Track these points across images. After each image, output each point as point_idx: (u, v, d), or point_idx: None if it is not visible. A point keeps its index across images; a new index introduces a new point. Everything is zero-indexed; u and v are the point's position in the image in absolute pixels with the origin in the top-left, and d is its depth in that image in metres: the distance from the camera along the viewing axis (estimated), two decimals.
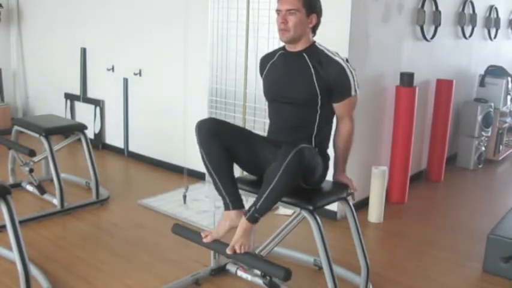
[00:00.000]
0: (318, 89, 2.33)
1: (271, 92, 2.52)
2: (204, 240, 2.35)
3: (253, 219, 2.21)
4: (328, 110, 2.42)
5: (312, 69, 2.34)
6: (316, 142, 2.41)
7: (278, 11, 2.35)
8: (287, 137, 2.40)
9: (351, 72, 2.34)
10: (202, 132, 2.33)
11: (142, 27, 4.72)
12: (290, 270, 2.12)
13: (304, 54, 2.37)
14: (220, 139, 2.32)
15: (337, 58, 2.35)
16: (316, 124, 2.40)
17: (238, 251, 2.22)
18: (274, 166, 2.14)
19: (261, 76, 2.58)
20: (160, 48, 4.61)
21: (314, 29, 2.41)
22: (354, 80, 2.35)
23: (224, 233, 2.34)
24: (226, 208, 2.35)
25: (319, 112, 2.38)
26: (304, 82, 2.35)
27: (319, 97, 2.35)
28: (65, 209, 3.59)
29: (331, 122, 2.49)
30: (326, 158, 2.46)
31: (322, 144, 2.45)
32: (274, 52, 2.54)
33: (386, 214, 3.72)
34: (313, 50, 2.39)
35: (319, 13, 2.39)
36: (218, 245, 2.34)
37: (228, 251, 2.23)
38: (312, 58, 2.36)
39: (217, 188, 2.37)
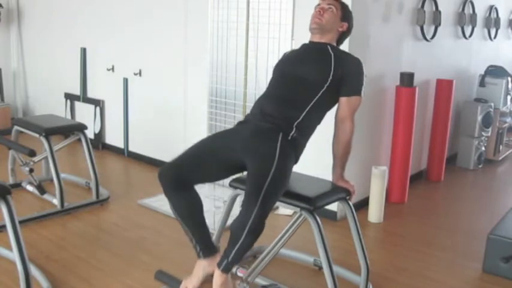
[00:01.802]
0: (331, 73, 2.36)
1: (281, 65, 2.54)
2: None
3: (227, 270, 2.22)
4: (326, 103, 2.42)
5: (333, 56, 2.41)
6: (296, 130, 2.33)
7: (318, 5, 2.47)
8: (272, 108, 2.36)
9: (364, 73, 2.45)
10: (164, 183, 2.33)
11: (142, 27, 4.72)
12: None
13: (328, 46, 2.46)
14: (184, 183, 2.31)
15: (356, 57, 2.47)
16: (307, 110, 2.35)
17: None
18: (237, 224, 2.13)
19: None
20: (160, 48, 4.61)
21: (341, 37, 2.54)
22: (364, 81, 2.45)
23: (200, 282, 2.35)
24: (199, 256, 2.38)
25: (317, 97, 2.36)
26: (321, 63, 2.40)
27: (328, 82, 2.35)
28: (65, 209, 3.59)
29: (320, 119, 2.46)
30: (298, 150, 2.39)
31: (299, 136, 2.36)
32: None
33: (386, 214, 3.72)
34: (335, 46, 2.51)
35: (350, 26, 2.54)
36: None
37: None
38: (334, 50, 2.46)
39: (187, 236, 2.39)
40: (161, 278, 2.56)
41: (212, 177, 2.44)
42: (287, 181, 2.27)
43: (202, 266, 2.36)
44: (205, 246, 2.37)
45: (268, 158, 2.20)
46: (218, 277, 2.22)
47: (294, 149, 2.34)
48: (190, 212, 2.36)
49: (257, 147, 2.27)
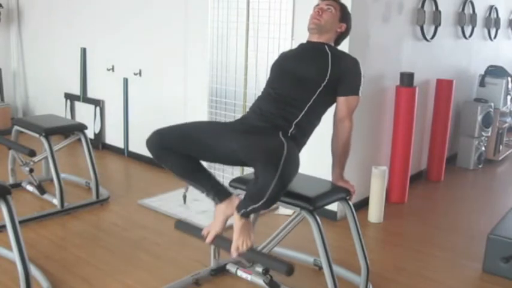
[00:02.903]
0: (329, 72, 2.36)
1: (279, 64, 2.55)
2: (207, 240, 2.36)
3: (247, 215, 2.22)
4: (324, 102, 2.42)
5: (330, 55, 2.41)
6: (295, 127, 2.33)
7: (317, 5, 2.48)
8: (271, 107, 2.37)
9: (361, 73, 2.45)
10: (152, 150, 2.35)
11: (142, 27, 4.72)
12: (292, 265, 2.13)
13: (325, 45, 2.47)
14: (171, 148, 2.32)
15: (353, 57, 2.48)
16: (305, 109, 2.35)
17: (241, 249, 2.23)
18: (256, 189, 2.09)
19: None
20: (160, 48, 4.61)
21: (339, 38, 2.55)
22: (361, 81, 2.45)
23: (222, 226, 2.34)
24: (215, 202, 2.37)
25: (315, 96, 2.36)
26: (318, 62, 2.41)
27: (325, 81, 2.36)
28: (65, 209, 3.59)
29: (319, 118, 2.45)
30: (298, 147, 2.36)
31: (298, 134, 2.35)
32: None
33: (386, 214, 3.72)
34: (333, 46, 2.52)
35: (348, 27, 2.54)
36: (221, 242, 2.36)
37: (233, 254, 2.24)
38: (331, 49, 2.47)
39: (197, 189, 2.39)
40: (181, 227, 2.55)
41: (197, 155, 2.40)
42: (298, 163, 2.22)
43: (222, 210, 2.33)
44: (217, 190, 2.35)
45: (277, 143, 2.17)
46: (238, 220, 2.22)
47: (295, 144, 2.32)
48: (188, 166, 2.35)
49: (259, 141, 2.23)
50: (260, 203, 2.09)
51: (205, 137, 2.36)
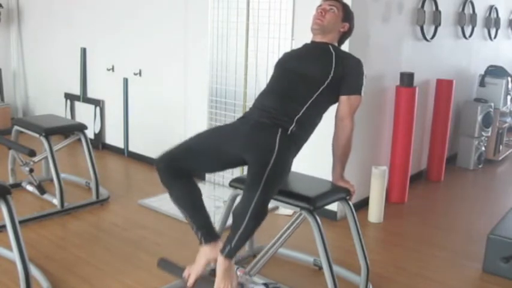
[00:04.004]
0: (332, 71, 2.38)
1: (283, 62, 2.56)
2: (188, 284, 2.34)
3: (230, 256, 2.21)
4: (326, 100, 2.43)
5: (334, 55, 2.43)
6: (296, 124, 2.33)
7: (320, 6, 2.50)
8: (273, 102, 2.37)
9: (364, 74, 2.47)
10: (161, 173, 2.34)
11: (142, 27, 4.72)
12: None
13: (329, 45, 2.49)
14: (181, 172, 2.32)
15: (357, 57, 2.49)
16: (307, 106, 2.35)
17: None
18: (239, 210, 2.15)
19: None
20: (160, 48, 4.61)
21: (342, 38, 2.56)
22: (364, 81, 2.46)
23: (203, 269, 2.34)
24: (200, 243, 2.37)
25: (317, 94, 2.36)
26: (322, 61, 2.42)
27: (329, 80, 2.37)
28: (65, 209, 3.59)
29: (320, 115, 2.46)
30: (298, 144, 2.38)
31: (299, 130, 2.35)
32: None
33: (386, 214, 3.72)
34: (336, 46, 2.53)
35: (351, 27, 2.57)
36: (203, 286, 2.32)
37: None
38: (335, 49, 2.48)
39: (188, 223, 2.39)
40: (164, 266, 2.55)
41: (207, 168, 2.43)
42: (288, 171, 2.28)
43: (205, 253, 2.33)
44: (206, 232, 2.35)
45: (269, 150, 2.20)
46: (221, 263, 2.21)
47: (294, 143, 2.33)
48: (189, 199, 2.36)
49: (256, 141, 2.27)
50: (243, 225, 2.10)
51: (212, 148, 2.38)
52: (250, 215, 2.09)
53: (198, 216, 2.37)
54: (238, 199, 2.49)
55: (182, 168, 2.33)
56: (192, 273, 2.34)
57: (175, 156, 2.35)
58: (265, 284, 2.41)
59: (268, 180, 2.12)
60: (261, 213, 2.14)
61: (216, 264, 2.23)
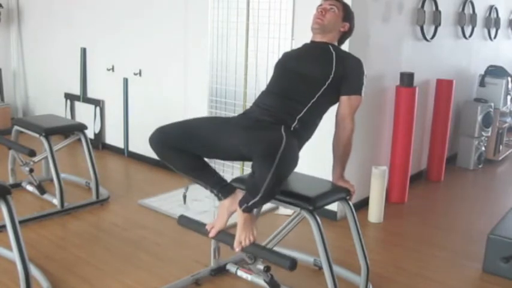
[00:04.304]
0: (333, 71, 2.38)
1: (283, 62, 2.56)
2: (210, 235, 2.38)
3: (249, 210, 2.23)
4: (327, 100, 2.43)
5: (334, 55, 2.43)
6: (298, 122, 2.33)
7: (320, 5, 2.50)
8: (274, 102, 2.37)
9: (364, 74, 2.47)
10: (155, 149, 2.35)
11: (142, 27, 4.72)
12: (295, 259, 2.13)
13: (329, 45, 2.48)
14: (174, 145, 2.32)
15: (357, 57, 2.49)
16: (309, 106, 2.36)
17: (244, 244, 2.24)
18: (252, 183, 2.14)
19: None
20: (160, 48, 4.61)
21: (342, 37, 2.56)
22: (364, 81, 2.46)
23: (226, 222, 2.36)
24: (219, 198, 2.38)
25: (318, 94, 2.37)
26: (323, 61, 2.42)
27: (329, 80, 2.37)
28: (65, 209, 3.59)
29: (321, 115, 2.46)
30: (300, 141, 2.36)
31: (301, 129, 2.35)
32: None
33: (386, 214, 3.72)
34: (337, 46, 2.53)
35: (351, 27, 2.57)
36: (224, 237, 2.38)
37: (236, 249, 2.26)
38: (335, 49, 2.48)
39: (201, 185, 2.40)
40: (185, 223, 2.55)
41: (200, 152, 2.40)
42: (297, 159, 2.21)
43: (226, 207, 2.35)
44: (221, 187, 2.36)
45: (277, 136, 2.15)
46: (241, 215, 2.24)
47: (297, 139, 2.31)
48: (191, 164, 2.36)
49: (260, 136, 2.22)
50: (257, 198, 2.11)
51: (207, 133, 2.37)
52: (262, 194, 2.09)
53: (207, 176, 2.38)
54: None
55: (176, 147, 2.33)
56: (216, 225, 2.37)
57: (169, 136, 2.35)
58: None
59: (282, 159, 2.05)
60: (272, 193, 2.14)
61: (237, 216, 2.26)
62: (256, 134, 2.23)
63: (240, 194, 2.30)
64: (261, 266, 2.30)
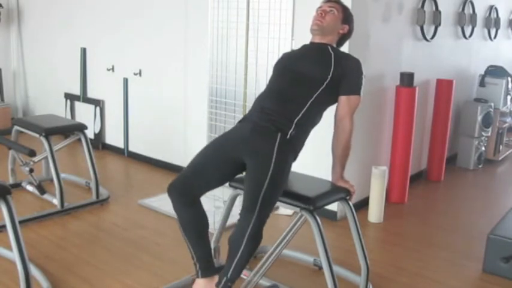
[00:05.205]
0: (331, 71, 2.38)
1: (281, 63, 2.56)
2: None
3: (226, 286, 2.22)
4: (326, 100, 2.43)
5: (333, 55, 2.44)
6: (295, 127, 2.33)
7: (320, 7, 2.51)
8: (272, 104, 2.37)
9: (363, 74, 2.47)
10: (174, 198, 2.36)
11: (142, 27, 4.72)
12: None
13: (328, 46, 2.49)
14: (193, 196, 2.34)
15: (356, 57, 2.50)
16: (306, 107, 2.35)
17: None
18: (236, 234, 2.17)
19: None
20: (160, 48, 4.61)
21: (341, 39, 2.57)
22: (363, 81, 2.47)
23: None
24: (197, 276, 2.38)
25: (316, 94, 2.37)
26: (321, 61, 2.43)
27: (328, 80, 2.37)
28: (65, 209, 3.59)
29: (320, 115, 2.46)
30: (297, 148, 2.40)
31: (298, 133, 2.35)
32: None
33: (386, 214, 3.72)
34: (335, 47, 2.55)
35: (351, 29, 2.57)
36: None
37: None
38: (334, 50, 2.49)
39: (189, 250, 2.40)
40: None
41: (219, 182, 2.42)
42: (284, 184, 2.30)
43: (201, 286, 2.36)
44: (205, 265, 2.38)
45: (265, 163, 2.21)
46: None
47: (293, 147, 2.35)
48: (196, 229, 2.37)
49: (255, 148, 2.28)
50: (242, 246, 2.13)
51: (216, 162, 2.39)
52: (248, 237, 2.13)
53: (200, 247, 2.38)
54: (238, 199, 2.50)
55: (194, 189, 2.34)
56: None
57: (186, 179, 2.36)
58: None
59: (264, 201, 2.17)
60: (258, 234, 2.18)
61: None
62: (251, 151, 2.28)
63: (216, 278, 2.30)
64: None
